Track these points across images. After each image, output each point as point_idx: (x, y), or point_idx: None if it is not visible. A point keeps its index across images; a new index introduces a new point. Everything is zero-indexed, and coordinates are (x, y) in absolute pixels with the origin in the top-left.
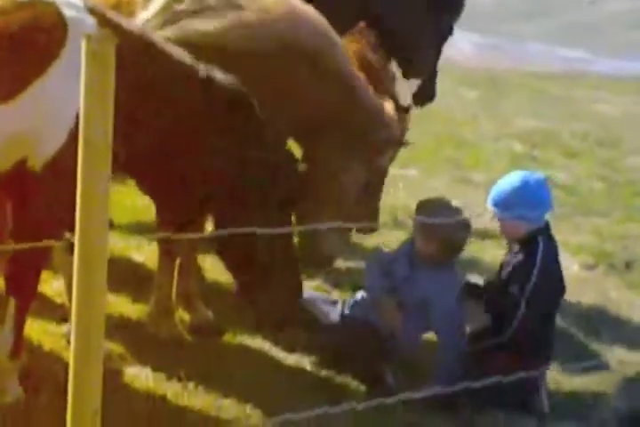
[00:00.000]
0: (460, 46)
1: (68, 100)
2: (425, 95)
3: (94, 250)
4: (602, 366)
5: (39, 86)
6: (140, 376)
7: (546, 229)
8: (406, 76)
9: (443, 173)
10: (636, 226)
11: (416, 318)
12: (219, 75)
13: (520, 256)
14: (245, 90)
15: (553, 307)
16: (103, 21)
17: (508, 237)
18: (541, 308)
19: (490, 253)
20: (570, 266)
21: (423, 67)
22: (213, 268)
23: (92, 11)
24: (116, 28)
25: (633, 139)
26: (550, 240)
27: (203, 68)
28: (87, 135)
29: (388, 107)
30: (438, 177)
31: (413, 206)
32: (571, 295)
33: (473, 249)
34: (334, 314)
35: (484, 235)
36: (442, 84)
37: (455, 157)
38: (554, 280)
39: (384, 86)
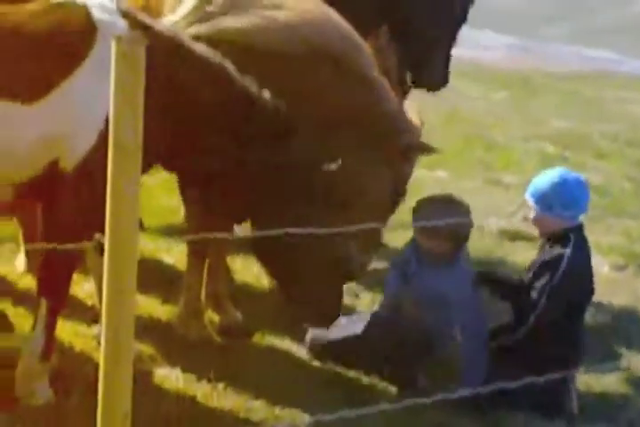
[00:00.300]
0: (490, 48)
1: (98, 102)
2: (438, 79)
3: (124, 251)
4: (631, 367)
5: (67, 87)
6: (169, 377)
7: (579, 229)
8: (420, 82)
9: (473, 175)
10: None
11: (436, 314)
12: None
13: (549, 254)
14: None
15: (578, 307)
16: (135, 23)
17: (541, 231)
18: (562, 306)
19: (521, 255)
20: (600, 267)
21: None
22: (243, 269)
23: (124, 13)
24: (148, 30)
25: None
26: (582, 241)
27: (232, 70)
28: (117, 137)
29: (410, 112)
30: (468, 179)
31: None
32: (601, 296)
33: (504, 251)
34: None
35: (515, 236)
36: (471, 85)
37: (485, 158)
38: (580, 280)
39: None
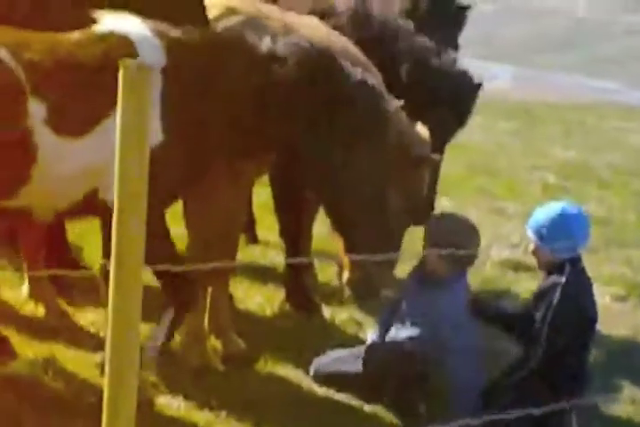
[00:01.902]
0: (493, 78)
1: None
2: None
3: (129, 281)
4: (634, 399)
5: (110, 122)
6: (172, 405)
7: (576, 260)
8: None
9: (476, 204)
10: None
11: (430, 335)
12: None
13: (544, 284)
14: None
15: (582, 337)
16: (178, 57)
17: (539, 262)
18: (565, 336)
19: (524, 286)
20: (601, 297)
21: None
22: (245, 297)
23: (166, 46)
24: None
25: None
26: (579, 270)
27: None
28: (122, 165)
29: (418, 126)
30: (472, 207)
31: None
32: (602, 327)
33: (507, 281)
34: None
35: (519, 267)
36: (475, 115)
37: (488, 187)
38: (578, 309)
39: None
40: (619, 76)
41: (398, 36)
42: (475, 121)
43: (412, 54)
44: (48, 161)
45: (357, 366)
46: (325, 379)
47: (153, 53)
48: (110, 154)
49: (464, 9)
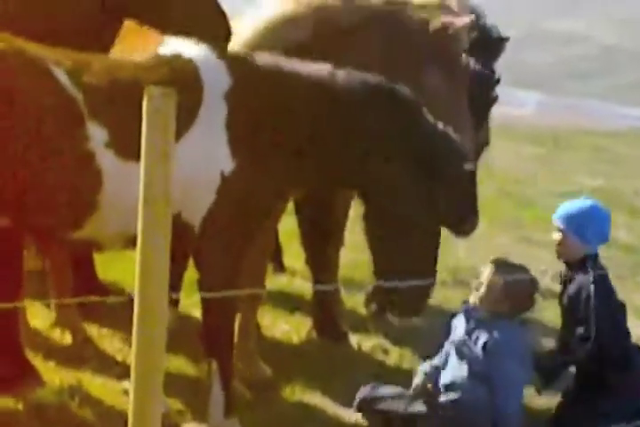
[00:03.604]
0: (521, 104)
1: (210, 160)
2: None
3: (154, 307)
4: None
5: (179, 149)
6: None
7: (596, 256)
8: None
9: (504, 232)
10: None
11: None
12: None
13: (576, 285)
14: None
15: (623, 322)
16: (244, 81)
17: (564, 255)
18: (614, 328)
19: (550, 313)
20: (634, 328)
21: None
22: (272, 325)
23: (231, 69)
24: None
25: None
26: (599, 265)
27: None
28: (147, 191)
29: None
30: (499, 235)
31: (474, 265)
32: None
33: (535, 308)
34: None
35: (545, 294)
36: (504, 141)
37: (516, 214)
38: (616, 300)
39: None
40: None
41: None
42: (501, 146)
43: None
44: (115, 186)
45: (402, 406)
46: (368, 410)
47: (217, 77)
48: (182, 176)
49: (503, 40)
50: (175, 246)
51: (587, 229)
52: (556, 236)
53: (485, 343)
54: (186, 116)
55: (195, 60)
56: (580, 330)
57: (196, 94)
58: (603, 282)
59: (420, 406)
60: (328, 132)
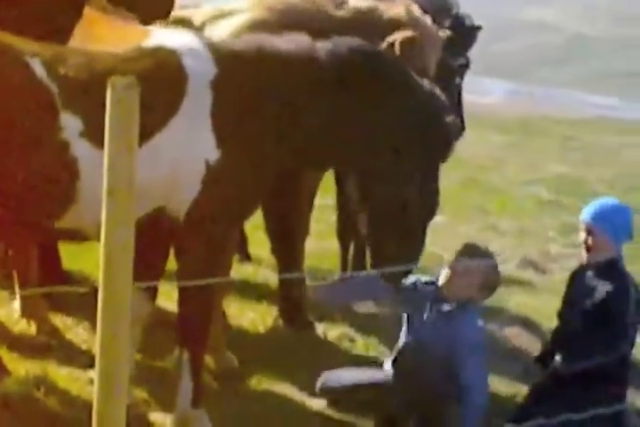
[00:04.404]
0: (489, 93)
1: (194, 150)
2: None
3: (118, 297)
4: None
5: (163, 136)
6: (164, 422)
7: (621, 259)
8: None
9: (469, 220)
10: None
11: (443, 364)
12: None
13: (609, 285)
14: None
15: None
16: (227, 67)
17: (596, 256)
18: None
19: (515, 300)
20: None
21: None
22: (238, 314)
23: (215, 58)
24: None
25: None
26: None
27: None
28: (110, 182)
29: None
30: (465, 223)
31: (439, 253)
32: None
33: (499, 296)
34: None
35: (510, 281)
36: (470, 129)
37: (482, 203)
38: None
39: None
40: (618, 90)
41: None
42: (469, 135)
43: None
44: (92, 176)
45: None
46: (331, 392)
47: (202, 67)
48: (172, 167)
49: (476, 29)
50: (159, 239)
51: (620, 228)
52: (584, 236)
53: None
54: (169, 107)
55: (178, 51)
56: (611, 329)
57: (180, 84)
58: (635, 287)
59: (380, 375)
60: (315, 113)
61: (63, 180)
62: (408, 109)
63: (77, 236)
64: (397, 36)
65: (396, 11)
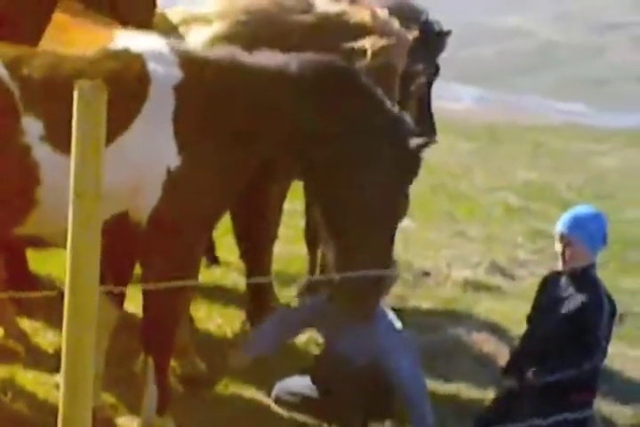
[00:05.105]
0: (457, 99)
1: (155, 155)
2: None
3: (84, 301)
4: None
5: (122, 143)
6: (131, 426)
7: (594, 268)
8: None
9: (438, 226)
10: (630, 279)
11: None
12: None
13: (582, 297)
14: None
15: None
16: (194, 73)
17: (570, 264)
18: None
19: (483, 305)
20: None
21: None
22: (206, 318)
23: (182, 63)
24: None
25: (630, 191)
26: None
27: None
28: (77, 184)
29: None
30: (434, 230)
31: (408, 259)
32: None
33: (467, 301)
34: None
35: (478, 287)
36: (440, 136)
37: (450, 209)
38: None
39: None
40: (587, 98)
41: None
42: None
43: None
44: (54, 181)
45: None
46: (286, 402)
47: (166, 71)
48: (129, 173)
49: (445, 34)
50: (124, 244)
51: (596, 235)
52: (560, 246)
53: None
54: (130, 110)
55: (143, 54)
56: (585, 340)
57: (142, 88)
58: (608, 297)
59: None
60: (280, 122)
61: (24, 185)
62: (375, 127)
63: (39, 242)
64: (368, 44)
65: (362, 15)
